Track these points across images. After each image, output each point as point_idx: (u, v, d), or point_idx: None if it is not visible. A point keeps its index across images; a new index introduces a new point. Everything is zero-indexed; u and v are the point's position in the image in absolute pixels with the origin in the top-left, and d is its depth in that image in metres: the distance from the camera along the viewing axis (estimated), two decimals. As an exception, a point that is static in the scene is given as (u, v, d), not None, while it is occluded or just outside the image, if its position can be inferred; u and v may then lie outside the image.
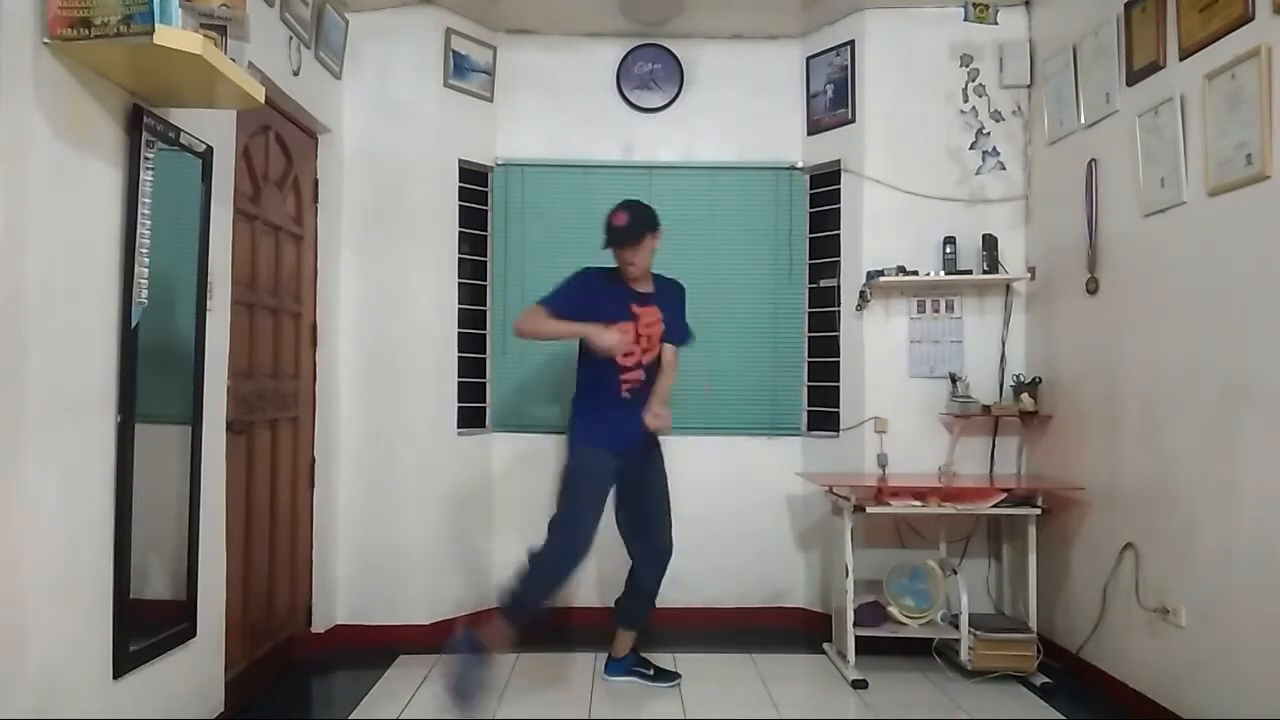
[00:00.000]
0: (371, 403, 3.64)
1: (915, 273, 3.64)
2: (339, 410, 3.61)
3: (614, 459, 2.98)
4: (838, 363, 3.89)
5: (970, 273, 3.66)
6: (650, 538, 3.14)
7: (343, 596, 3.61)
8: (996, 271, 3.63)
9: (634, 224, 2.97)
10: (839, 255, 3.89)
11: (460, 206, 3.85)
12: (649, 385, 3.05)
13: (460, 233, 3.85)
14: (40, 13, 1.72)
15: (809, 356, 4.02)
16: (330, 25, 3.37)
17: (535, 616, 2.92)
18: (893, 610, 3.41)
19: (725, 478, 3.97)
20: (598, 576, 3.84)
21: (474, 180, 3.93)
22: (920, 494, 3.30)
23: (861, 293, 3.75)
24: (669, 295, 3.15)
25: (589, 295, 2.97)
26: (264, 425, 3.05)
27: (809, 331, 4.02)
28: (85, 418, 1.92)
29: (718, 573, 3.95)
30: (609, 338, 2.85)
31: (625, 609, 3.26)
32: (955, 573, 3.42)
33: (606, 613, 3.43)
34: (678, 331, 3.16)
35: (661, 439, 3.15)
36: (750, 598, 3.98)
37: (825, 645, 3.60)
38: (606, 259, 3.06)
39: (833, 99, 3.90)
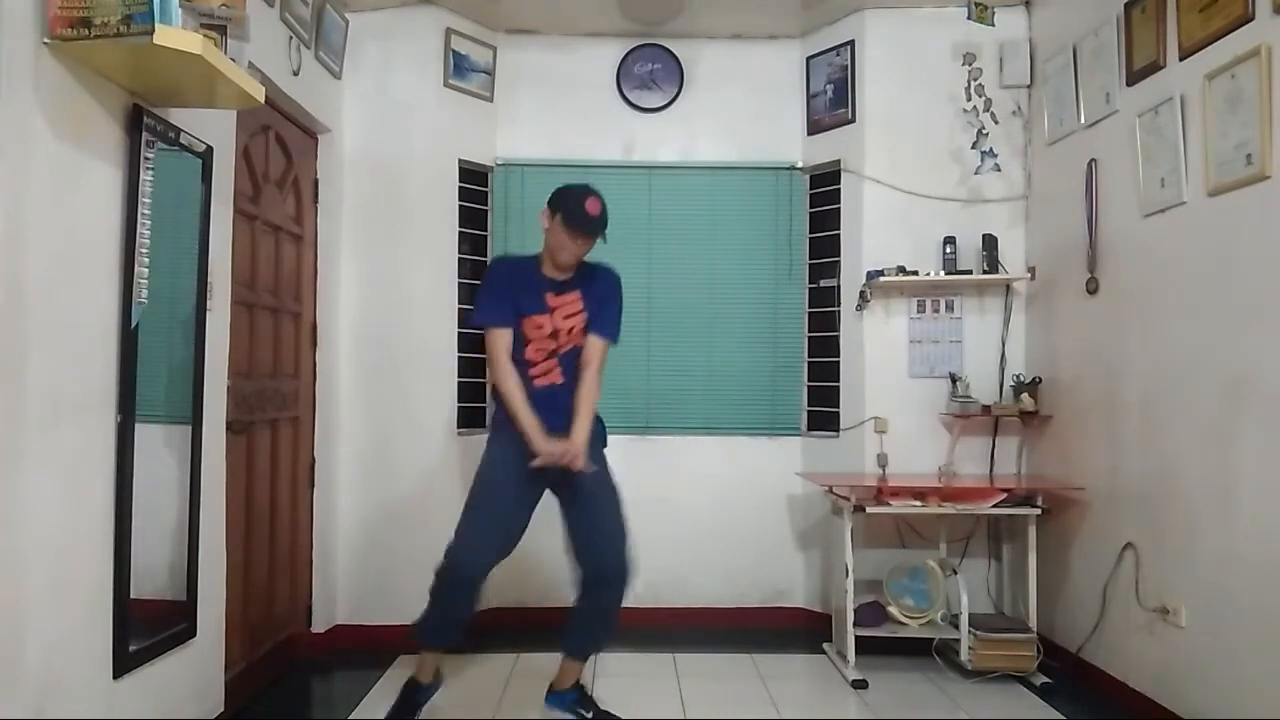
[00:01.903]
0: (371, 403, 3.64)
1: (915, 273, 3.64)
2: (339, 410, 3.61)
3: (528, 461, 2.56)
4: (838, 363, 3.89)
5: (970, 273, 3.66)
6: (586, 558, 2.65)
7: (343, 596, 3.60)
8: (996, 271, 3.63)
9: (603, 219, 2.60)
10: (839, 255, 3.89)
11: (460, 206, 3.85)
12: (573, 380, 2.66)
13: (460, 233, 3.85)
14: (40, 13, 1.72)
15: (809, 356, 4.02)
16: (330, 25, 3.37)
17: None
18: (893, 610, 3.41)
19: (725, 478, 3.97)
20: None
21: (474, 180, 3.93)
22: (920, 494, 3.30)
23: (861, 293, 3.75)
24: (596, 281, 2.71)
25: (510, 290, 2.66)
26: (264, 425, 3.05)
27: (809, 331, 4.02)
28: (85, 418, 1.92)
29: (718, 572, 3.95)
30: (545, 446, 2.53)
31: (568, 633, 2.76)
32: (955, 573, 3.42)
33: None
34: (602, 320, 2.68)
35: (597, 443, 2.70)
36: (750, 597, 3.98)
37: (825, 645, 3.60)
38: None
39: (833, 99, 3.90)
